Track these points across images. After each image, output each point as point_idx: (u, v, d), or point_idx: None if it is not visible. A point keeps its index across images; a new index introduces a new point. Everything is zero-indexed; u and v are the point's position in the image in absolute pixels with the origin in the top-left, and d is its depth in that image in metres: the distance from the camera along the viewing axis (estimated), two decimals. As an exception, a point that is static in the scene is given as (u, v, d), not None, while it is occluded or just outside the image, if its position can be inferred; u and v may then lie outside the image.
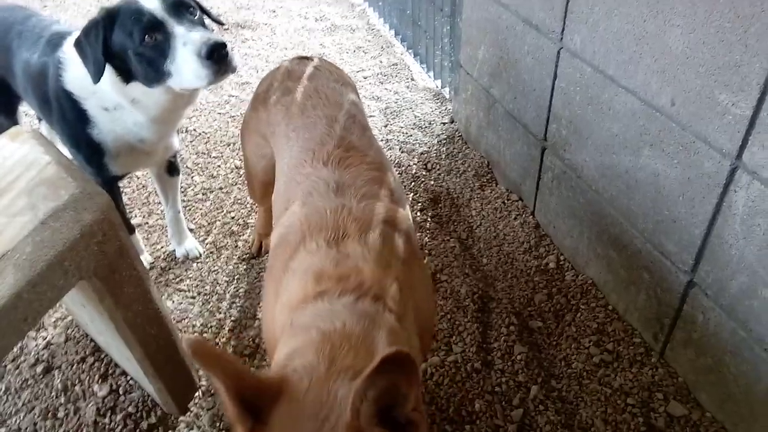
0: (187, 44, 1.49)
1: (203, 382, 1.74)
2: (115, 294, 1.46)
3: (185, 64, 1.50)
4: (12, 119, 2.13)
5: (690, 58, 1.33)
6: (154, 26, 1.50)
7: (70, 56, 1.66)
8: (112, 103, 1.68)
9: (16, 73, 1.87)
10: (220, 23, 1.90)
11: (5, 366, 1.83)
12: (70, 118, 1.72)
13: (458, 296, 2.00)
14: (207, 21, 1.74)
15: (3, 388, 1.76)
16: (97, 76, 1.54)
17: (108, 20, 1.53)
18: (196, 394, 1.71)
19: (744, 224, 1.30)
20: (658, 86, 1.45)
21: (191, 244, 2.24)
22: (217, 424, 1.64)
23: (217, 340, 1.91)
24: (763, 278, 1.28)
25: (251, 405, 0.79)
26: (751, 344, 1.36)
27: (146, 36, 1.50)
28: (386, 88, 3.29)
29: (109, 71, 1.59)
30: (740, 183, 1.28)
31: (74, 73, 1.66)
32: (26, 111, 3.11)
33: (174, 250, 2.25)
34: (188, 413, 1.67)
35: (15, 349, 1.89)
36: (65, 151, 2.04)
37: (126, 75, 1.61)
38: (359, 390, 0.74)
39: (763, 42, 1.16)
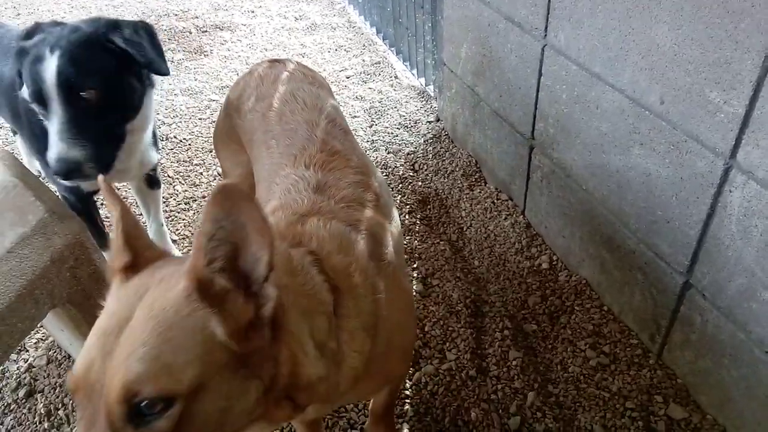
0: (50, 147, 1.43)
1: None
2: (92, 320, 1.40)
3: None
4: None
5: (678, 55, 1.29)
6: (39, 101, 1.43)
7: None
8: None
9: None
10: (163, 73, 1.61)
11: (-14, 393, 1.77)
12: (38, 133, 1.65)
13: (450, 301, 1.96)
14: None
15: (-16, 417, 1.70)
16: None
17: (18, 63, 1.46)
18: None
19: (740, 225, 1.26)
20: (647, 84, 1.40)
21: (175, 257, 2.18)
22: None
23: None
24: (761, 280, 1.25)
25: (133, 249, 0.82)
26: (750, 346, 1.33)
27: (34, 105, 1.45)
28: (370, 88, 3.23)
29: None
30: (735, 183, 1.25)
31: None
32: (1, 124, 3.03)
33: (157, 265, 2.18)
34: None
35: (-4, 373, 1.83)
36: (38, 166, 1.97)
37: None
38: (202, 225, 0.72)
39: (754, 38, 1.12)
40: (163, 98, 3.20)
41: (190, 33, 3.91)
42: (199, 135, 2.94)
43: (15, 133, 2.39)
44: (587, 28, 1.56)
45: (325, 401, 0.99)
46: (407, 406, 1.65)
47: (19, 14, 4.40)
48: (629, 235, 1.64)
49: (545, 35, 1.77)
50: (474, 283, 2.02)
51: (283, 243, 0.97)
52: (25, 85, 1.44)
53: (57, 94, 1.40)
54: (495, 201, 2.35)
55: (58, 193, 1.81)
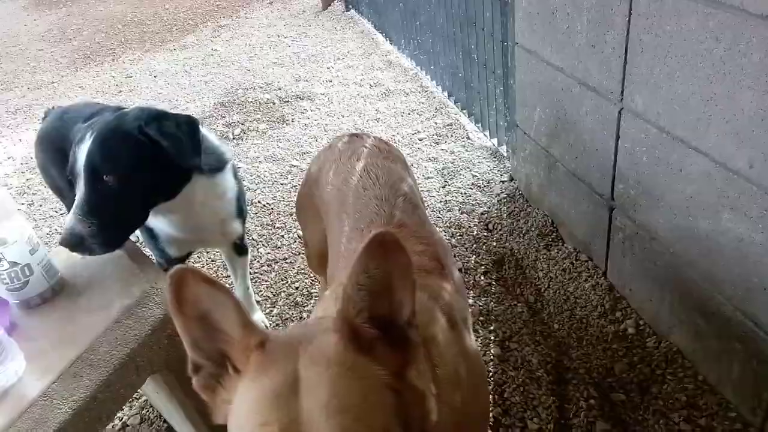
0: (66, 219, 1.51)
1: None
2: (187, 385, 1.48)
3: None
4: None
5: (765, 120, 1.25)
6: (73, 176, 1.54)
7: None
8: None
9: None
10: (190, 167, 1.65)
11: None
12: None
13: (530, 366, 1.91)
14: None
15: (84, 474, 1.80)
16: None
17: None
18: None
19: None
20: (733, 148, 1.37)
21: (258, 318, 2.27)
22: None
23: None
24: None
25: None
26: None
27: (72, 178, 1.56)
28: (442, 149, 3.30)
29: None
30: (839, 250, 1.17)
31: None
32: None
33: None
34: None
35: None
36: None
37: None
38: (352, 275, 0.74)
39: None
40: (249, 165, 3.41)
41: (274, 104, 4.18)
42: (281, 199, 3.09)
43: None
44: (666, 92, 1.55)
45: None
46: (489, 479, 1.60)
47: (120, 91, 4.88)
48: (724, 302, 1.55)
49: (621, 99, 1.76)
50: (554, 348, 1.97)
51: None
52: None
53: (83, 173, 1.52)
54: (574, 262, 2.30)
55: (154, 259, 1.96)
